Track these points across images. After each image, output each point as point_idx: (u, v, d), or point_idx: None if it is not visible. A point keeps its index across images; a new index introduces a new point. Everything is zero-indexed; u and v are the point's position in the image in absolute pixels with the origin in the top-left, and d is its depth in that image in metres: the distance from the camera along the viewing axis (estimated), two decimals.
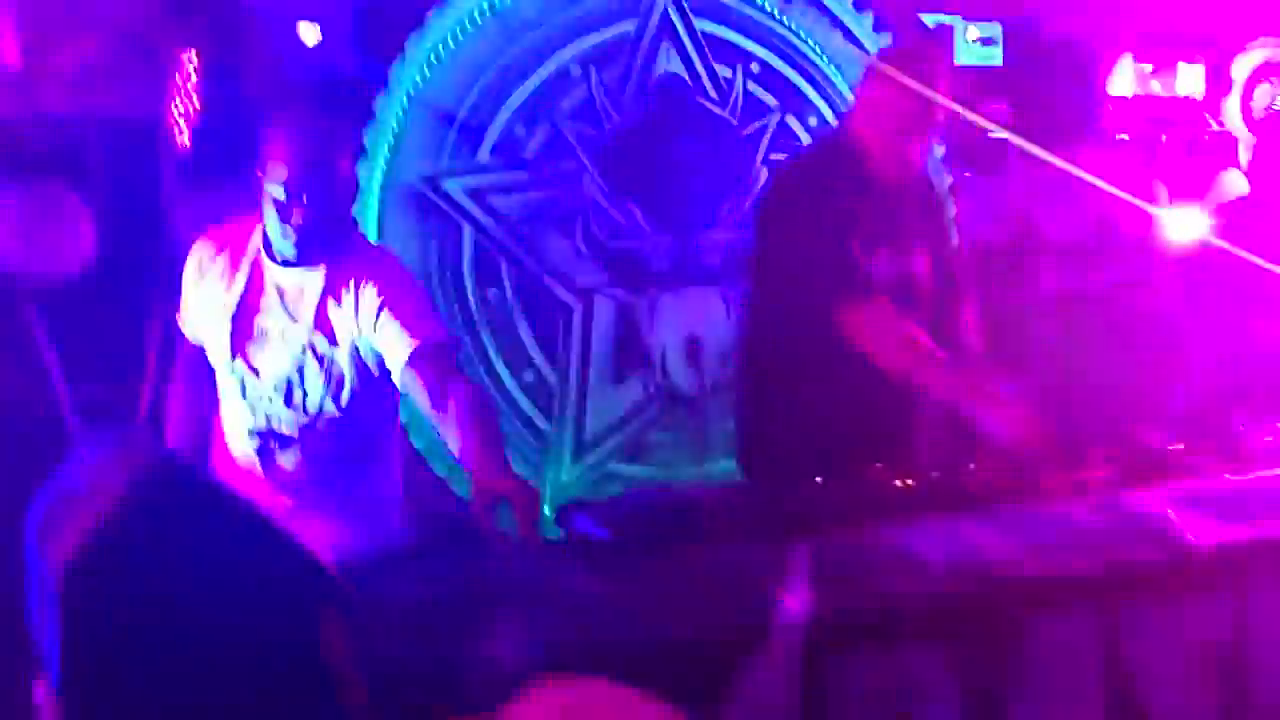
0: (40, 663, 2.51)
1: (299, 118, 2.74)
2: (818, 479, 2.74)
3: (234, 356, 2.69)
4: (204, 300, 2.71)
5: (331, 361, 2.67)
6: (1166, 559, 2.42)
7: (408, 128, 3.89)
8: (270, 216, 2.59)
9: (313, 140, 2.59)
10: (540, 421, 4.11)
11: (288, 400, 2.69)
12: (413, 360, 2.54)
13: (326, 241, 2.61)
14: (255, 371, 2.68)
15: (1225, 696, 2.38)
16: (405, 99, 3.87)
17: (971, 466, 2.78)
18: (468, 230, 4.00)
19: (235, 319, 2.67)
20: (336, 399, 2.68)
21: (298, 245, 2.60)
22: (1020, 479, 2.71)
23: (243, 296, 2.68)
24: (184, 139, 3.35)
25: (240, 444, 2.73)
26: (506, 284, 4.05)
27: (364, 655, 2.38)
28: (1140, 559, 2.43)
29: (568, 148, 4.09)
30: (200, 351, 2.75)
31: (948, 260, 3.21)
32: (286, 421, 2.69)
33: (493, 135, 4.00)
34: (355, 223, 3.46)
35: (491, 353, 4.05)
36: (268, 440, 2.70)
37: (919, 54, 3.15)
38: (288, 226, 2.58)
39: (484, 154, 3.99)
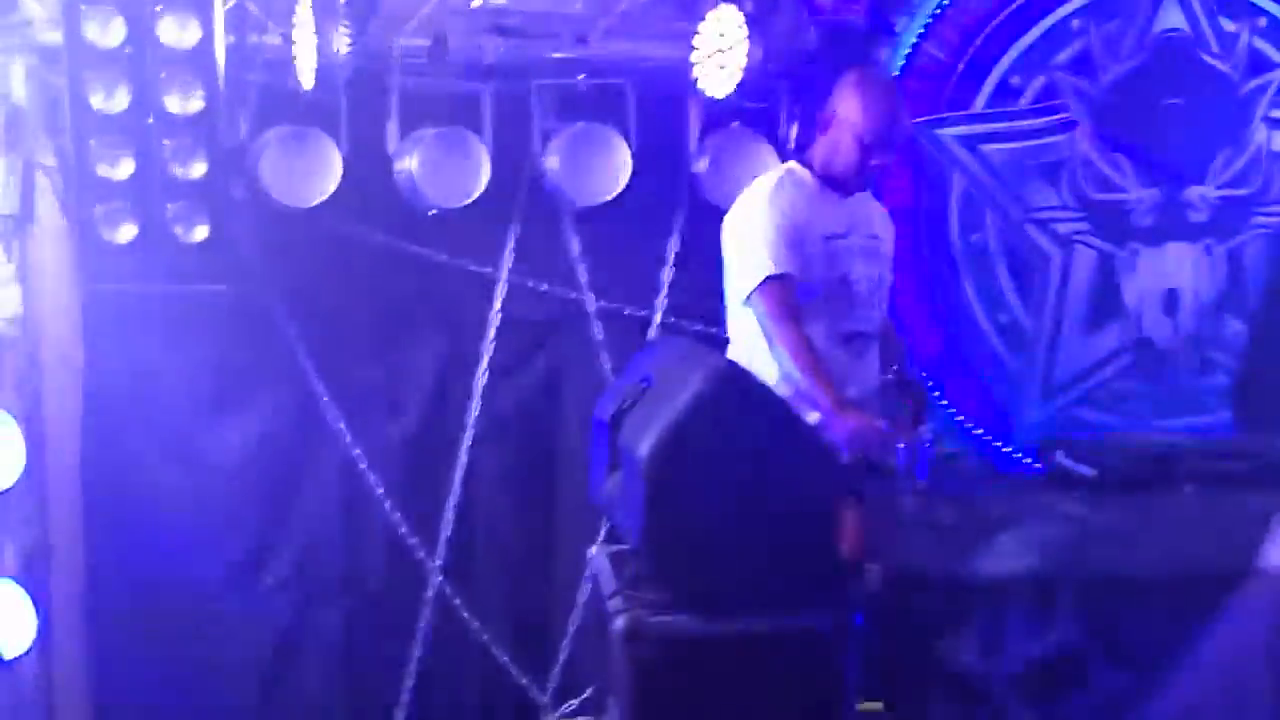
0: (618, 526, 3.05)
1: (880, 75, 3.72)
2: None
3: (834, 271, 3.36)
4: (799, 229, 3.33)
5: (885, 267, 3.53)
6: None
7: (908, 75, 4.17)
8: (851, 156, 3.35)
9: (894, 96, 3.43)
10: (1011, 362, 4.32)
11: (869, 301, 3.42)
12: None
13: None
14: (853, 282, 3.39)
15: None
16: (909, 48, 4.15)
17: None
18: (957, 175, 4.25)
19: (828, 240, 3.36)
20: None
21: (872, 181, 3.48)
22: None
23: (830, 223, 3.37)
24: (725, 87, 3.78)
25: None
26: (990, 228, 4.28)
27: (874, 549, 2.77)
28: None
29: (1062, 99, 4.23)
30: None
31: None
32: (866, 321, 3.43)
33: (989, 85, 4.21)
34: None
35: (970, 293, 4.30)
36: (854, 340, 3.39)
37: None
38: (871, 165, 3.36)
39: (980, 102, 4.21)
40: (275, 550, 4.02)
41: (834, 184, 3.39)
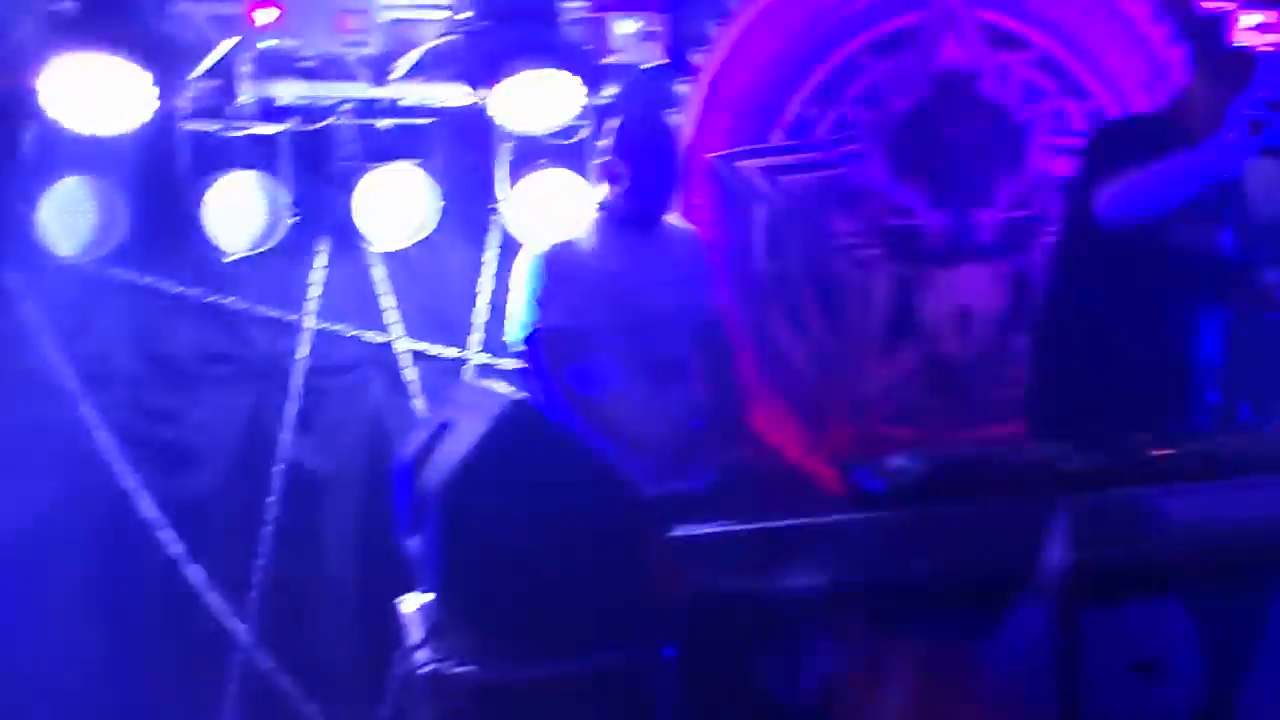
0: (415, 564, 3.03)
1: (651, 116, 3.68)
2: (1087, 441, 3.02)
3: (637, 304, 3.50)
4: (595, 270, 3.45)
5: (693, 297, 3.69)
6: None
7: (709, 110, 4.30)
8: (636, 193, 3.53)
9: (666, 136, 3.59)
10: (818, 385, 4.47)
11: None
12: None
13: None
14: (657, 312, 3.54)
15: None
16: (708, 85, 4.27)
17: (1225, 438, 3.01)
18: (760, 206, 4.39)
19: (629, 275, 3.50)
20: None
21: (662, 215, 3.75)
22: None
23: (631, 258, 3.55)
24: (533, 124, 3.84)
25: None
26: (794, 256, 4.42)
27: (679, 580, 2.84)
28: None
29: (855, 131, 4.41)
30: None
31: None
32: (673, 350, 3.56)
33: (787, 119, 4.37)
34: None
35: (777, 318, 4.43)
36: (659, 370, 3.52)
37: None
38: (657, 202, 3.63)
39: (778, 136, 4.36)
40: (65, 616, 3.84)
41: (633, 220, 3.48)
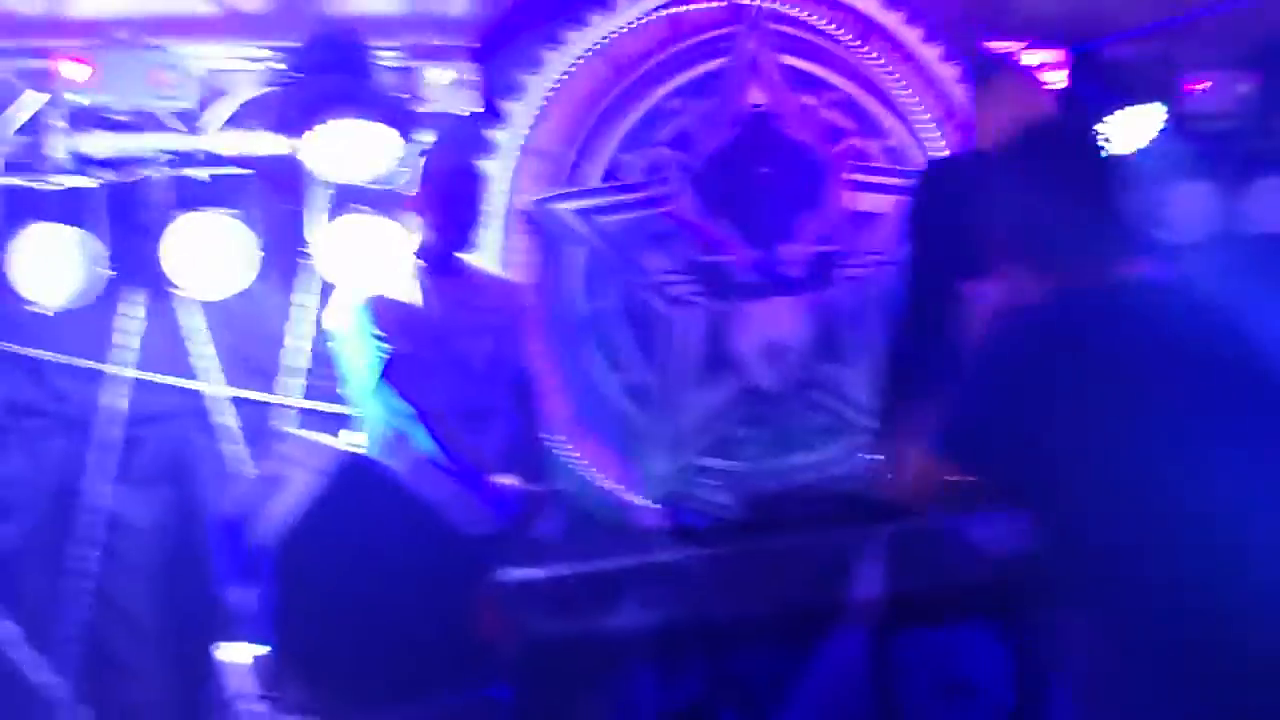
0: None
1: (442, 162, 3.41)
2: None
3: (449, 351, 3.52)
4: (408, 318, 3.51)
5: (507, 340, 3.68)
6: None
7: (526, 156, 4.39)
8: (435, 237, 3.50)
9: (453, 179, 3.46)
10: (638, 419, 4.59)
11: None
12: None
13: None
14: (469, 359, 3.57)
15: None
16: (526, 130, 4.37)
17: None
18: (577, 247, 4.49)
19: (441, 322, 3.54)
20: None
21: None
22: None
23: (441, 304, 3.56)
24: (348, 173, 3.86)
25: None
26: (611, 295, 4.55)
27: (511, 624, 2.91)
28: None
29: (667, 172, 4.56)
30: None
31: None
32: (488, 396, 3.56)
33: (601, 162, 4.50)
34: None
35: (596, 356, 4.54)
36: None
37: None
38: (456, 245, 3.60)
39: (594, 178, 4.48)
40: None
41: (438, 266, 3.54)
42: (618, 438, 4.54)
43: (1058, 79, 4.77)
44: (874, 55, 4.72)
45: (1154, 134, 4.93)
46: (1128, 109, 4.86)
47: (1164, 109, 4.90)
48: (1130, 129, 4.90)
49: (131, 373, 4.05)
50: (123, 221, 3.81)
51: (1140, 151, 4.93)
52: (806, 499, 3.49)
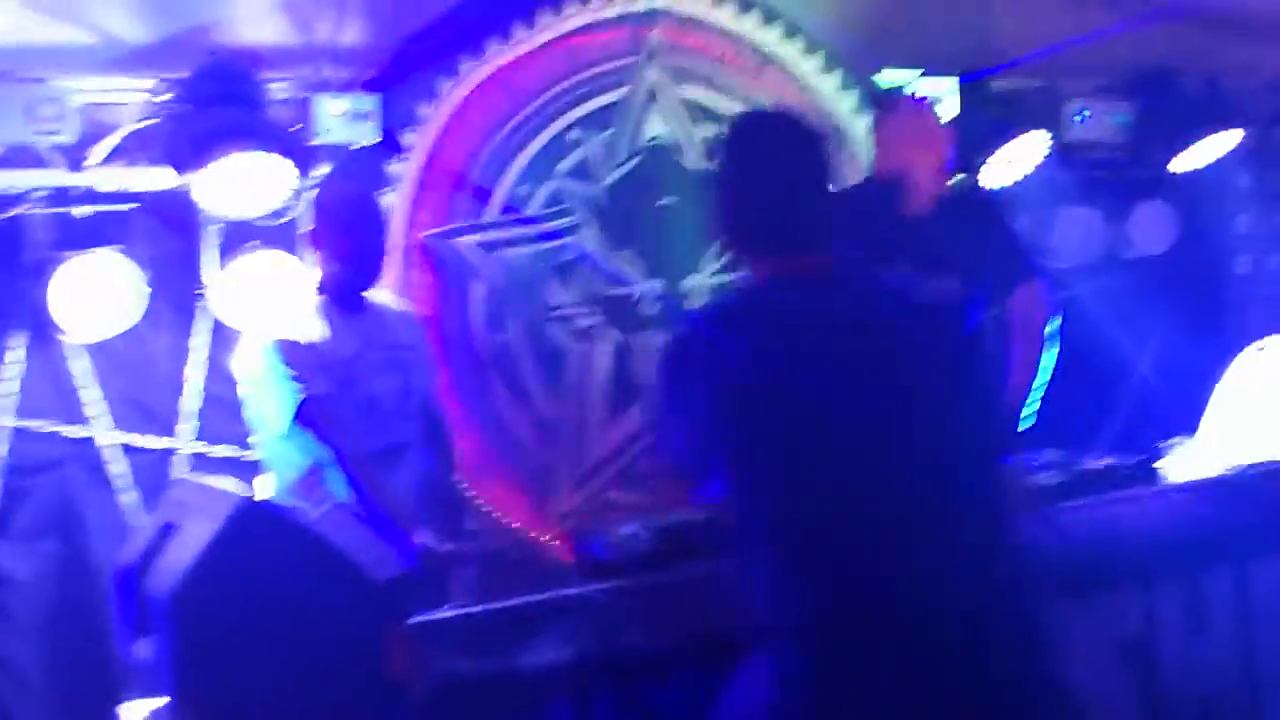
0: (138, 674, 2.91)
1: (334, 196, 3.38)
2: None
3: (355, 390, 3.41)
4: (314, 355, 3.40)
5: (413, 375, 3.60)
6: None
7: (422, 189, 4.31)
8: (332, 273, 3.37)
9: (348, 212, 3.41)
10: (543, 455, 4.52)
11: None
12: None
13: None
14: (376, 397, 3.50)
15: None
16: (423, 163, 4.29)
17: None
18: (477, 281, 4.42)
19: (344, 361, 3.43)
20: None
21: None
22: None
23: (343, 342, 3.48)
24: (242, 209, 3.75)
25: None
26: (513, 328, 4.48)
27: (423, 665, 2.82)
28: None
29: (568, 204, 4.52)
30: None
31: None
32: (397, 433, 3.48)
33: (500, 195, 4.44)
34: None
35: (499, 391, 4.47)
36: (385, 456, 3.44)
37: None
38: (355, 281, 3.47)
39: (493, 211, 4.42)
40: None
41: (340, 302, 3.45)
42: (524, 472, 4.47)
43: (949, 108, 4.83)
44: (774, 85, 4.76)
45: (1039, 161, 5.04)
46: (1014, 138, 4.96)
47: (1048, 137, 5.01)
48: (1016, 157, 5.01)
49: (11, 421, 3.89)
50: (1, 261, 3.66)
51: (1026, 178, 5.04)
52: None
